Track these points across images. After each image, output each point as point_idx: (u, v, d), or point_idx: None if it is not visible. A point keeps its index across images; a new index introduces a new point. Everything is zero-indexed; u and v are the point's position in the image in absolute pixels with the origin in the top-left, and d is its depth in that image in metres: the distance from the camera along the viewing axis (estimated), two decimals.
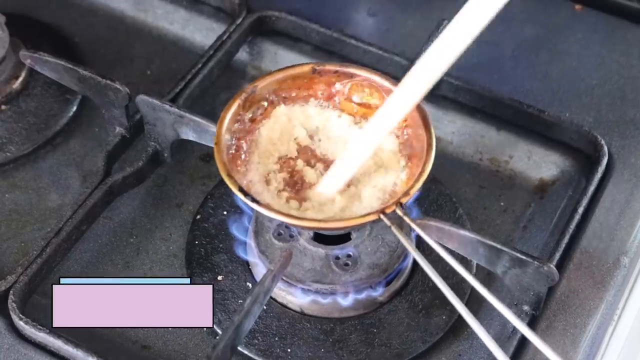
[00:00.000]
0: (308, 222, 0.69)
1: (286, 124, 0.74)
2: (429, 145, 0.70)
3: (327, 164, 0.73)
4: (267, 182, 0.72)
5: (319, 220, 0.69)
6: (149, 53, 0.94)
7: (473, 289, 0.75)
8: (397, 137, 0.74)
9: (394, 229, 0.67)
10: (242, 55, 0.92)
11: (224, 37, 0.89)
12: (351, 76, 0.75)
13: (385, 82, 0.74)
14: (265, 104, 0.75)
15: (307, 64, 0.76)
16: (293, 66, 0.76)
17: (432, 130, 0.71)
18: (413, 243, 0.72)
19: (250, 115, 0.74)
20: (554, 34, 0.94)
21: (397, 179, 0.72)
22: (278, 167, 0.73)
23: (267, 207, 0.68)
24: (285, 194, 0.71)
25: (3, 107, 0.87)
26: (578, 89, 0.89)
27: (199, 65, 0.87)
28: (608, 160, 0.82)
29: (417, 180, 0.68)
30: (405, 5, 0.97)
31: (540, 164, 0.85)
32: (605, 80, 0.90)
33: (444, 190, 0.82)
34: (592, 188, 0.79)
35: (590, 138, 0.83)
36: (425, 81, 0.66)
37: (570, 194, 0.82)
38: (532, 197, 0.84)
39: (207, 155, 0.85)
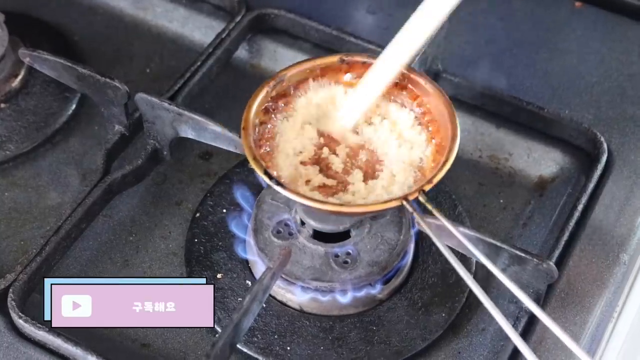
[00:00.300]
0: (332, 206, 0.67)
1: (305, 116, 0.74)
2: (454, 135, 0.69)
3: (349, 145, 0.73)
4: (295, 171, 0.71)
5: (342, 204, 0.68)
6: (148, 51, 0.94)
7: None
8: (412, 110, 0.73)
9: (415, 215, 0.67)
10: (242, 53, 0.92)
11: (223, 35, 0.89)
12: None
13: (412, 74, 0.73)
14: (290, 93, 0.74)
15: (335, 54, 0.75)
16: (321, 56, 0.75)
17: (457, 121, 0.70)
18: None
19: (274, 105, 0.74)
20: (553, 31, 0.94)
21: (423, 155, 0.72)
22: (305, 157, 0.72)
23: (292, 190, 0.67)
24: (313, 182, 0.71)
25: (2, 105, 0.87)
26: (578, 86, 0.89)
27: (198, 63, 0.87)
28: (608, 157, 0.82)
29: (440, 170, 0.68)
30: (404, 2, 0.96)
31: (539, 161, 0.85)
32: (605, 77, 0.90)
33: (444, 188, 0.82)
34: (591, 185, 0.79)
35: (590, 135, 0.83)
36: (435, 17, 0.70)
37: (570, 191, 0.82)
38: (532, 195, 0.84)
39: (206, 153, 0.85)
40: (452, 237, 0.70)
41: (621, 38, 0.93)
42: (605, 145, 0.82)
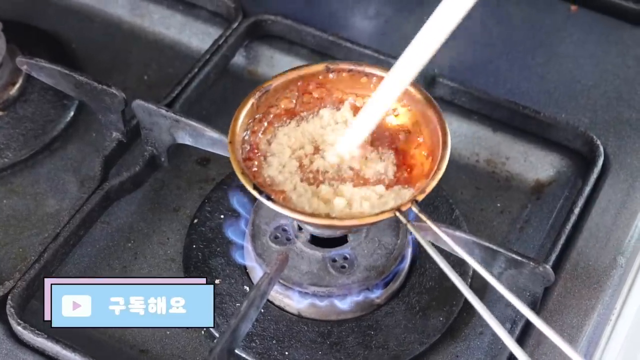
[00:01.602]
0: (322, 220, 0.68)
1: (300, 136, 0.74)
2: (444, 143, 0.70)
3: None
4: (285, 176, 0.71)
5: (334, 218, 0.68)
6: (146, 58, 0.94)
7: (472, 285, 0.76)
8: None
9: (409, 226, 0.67)
10: (239, 59, 0.93)
11: (220, 42, 0.89)
12: (365, 75, 0.75)
13: None
14: (278, 106, 0.75)
15: (321, 63, 0.76)
16: (307, 65, 0.76)
17: (447, 129, 0.71)
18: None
19: (263, 115, 0.74)
20: (549, 35, 0.94)
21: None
22: (297, 164, 0.72)
23: (281, 204, 0.67)
24: (304, 184, 0.71)
25: (0, 113, 0.87)
26: (574, 90, 0.89)
27: (196, 70, 0.87)
28: (604, 160, 0.82)
29: (432, 178, 0.68)
30: (400, 8, 0.97)
31: (536, 165, 0.85)
32: (601, 81, 0.90)
33: (441, 192, 0.82)
34: (588, 188, 0.80)
35: (586, 139, 0.83)
36: (433, 40, 0.67)
37: (567, 194, 0.83)
38: (529, 198, 0.84)
39: (203, 160, 0.86)
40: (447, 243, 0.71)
41: (617, 42, 0.94)
42: (601, 149, 0.82)
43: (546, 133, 0.85)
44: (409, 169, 0.72)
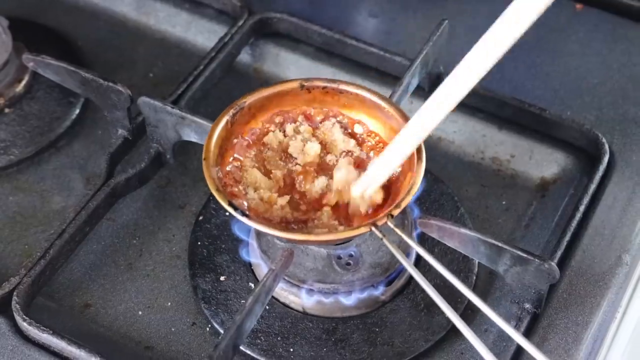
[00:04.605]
0: (298, 236, 0.69)
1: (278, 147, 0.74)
2: (419, 158, 0.70)
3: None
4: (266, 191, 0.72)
5: (309, 234, 0.69)
6: (152, 55, 0.94)
7: (477, 283, 0.76)
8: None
9: (385, 241, 0.67)
10: (244, 57, 0.93)
11: (226, 39, 0.89)
12: (340, 92, 0.75)
13: (374, 98, 0.74)
14: (255, 123, 0.75)
15: (295, 80, 0.76)
16: (281, 82, 0.76)
17: (422, 145, 0.70)
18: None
19: (242, 132, 0.74)
20: (555, 33, 0.94)
21: None
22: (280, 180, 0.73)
23: (256, 220, 0.68)
24: (287, 210, 0.71)
25: (6, 110, 0.87)
26: (579, 88, 0.89)
27: (201, 67, 0.87)
28: (609, 158, 0.82)
29: (408, 193, 0.68)
30: (406, 6, 0.98)
31: (541, 162, 0.85)
32: (606, 78, 0.90)
33: (446, 190, 0.82)
34: (593, 186, 0.80)
35: (592, 136, 0.83)
36: (460, 91, 0.66)
37: (572, 192, 0.83)
38: (534, 196, 0.84)
39: None
40: (453, 238, 0.71)
41: (622, 39, 0.94)
42: (607, 147, 0.82)
43: (552, 131, 0.85)
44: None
